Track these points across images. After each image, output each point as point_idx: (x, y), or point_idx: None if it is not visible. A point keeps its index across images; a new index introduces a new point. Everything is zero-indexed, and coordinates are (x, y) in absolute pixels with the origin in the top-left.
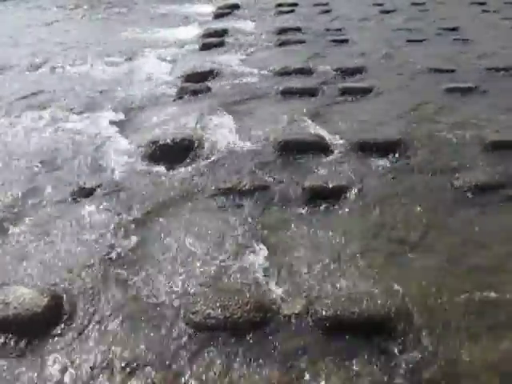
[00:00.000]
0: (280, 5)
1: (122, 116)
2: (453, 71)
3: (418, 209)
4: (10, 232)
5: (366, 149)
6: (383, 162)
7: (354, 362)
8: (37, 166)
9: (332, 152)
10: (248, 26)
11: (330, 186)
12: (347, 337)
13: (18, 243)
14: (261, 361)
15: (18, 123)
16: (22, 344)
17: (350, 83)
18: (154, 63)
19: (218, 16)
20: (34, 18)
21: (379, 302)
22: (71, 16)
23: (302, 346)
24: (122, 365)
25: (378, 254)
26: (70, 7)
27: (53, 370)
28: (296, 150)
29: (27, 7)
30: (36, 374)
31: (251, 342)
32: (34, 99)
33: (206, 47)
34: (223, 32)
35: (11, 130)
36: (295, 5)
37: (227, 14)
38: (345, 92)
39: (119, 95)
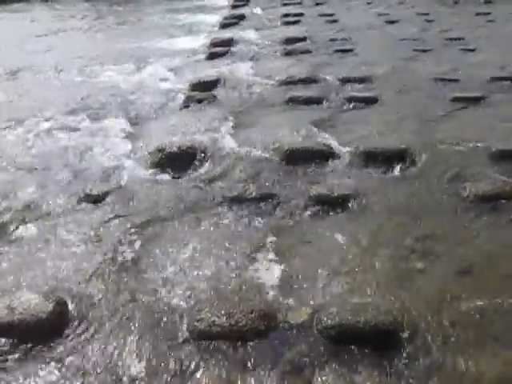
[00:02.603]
0: (286, 15)
1: (128, 124)
2: (458, 81)
3: (425, 218)
4: (15, 237)
5: (372, 158)
6: (389, 171)
7: (359, 372)
8: (43, 172)
9: (338, 161)
10: (254, 35)
11: (336, 194)
12: (352, 346)
13: (23, 249)
14: (265, 370)
15: (26, 129)
16: (27, 349)
17: (356, 92)
18: (161, 72)
19: (225, 26)
20: (41, 28)
21: (385, 311)
22: (79, 26)
23: (307, 355)
24: (126, 373)
25: (384, 262)
26: (78, 17)
27: (56, 376)
28: (302, 158)
29: (31, 18)
30: (39, 381)
31: (256, 350)
32: (41, 106)
33: (212, 56)
34: (229, 42)
35: (19, 136)
36: (301, 15)
37: (234, 24)
38: (351, 101)
39: (126, 103)
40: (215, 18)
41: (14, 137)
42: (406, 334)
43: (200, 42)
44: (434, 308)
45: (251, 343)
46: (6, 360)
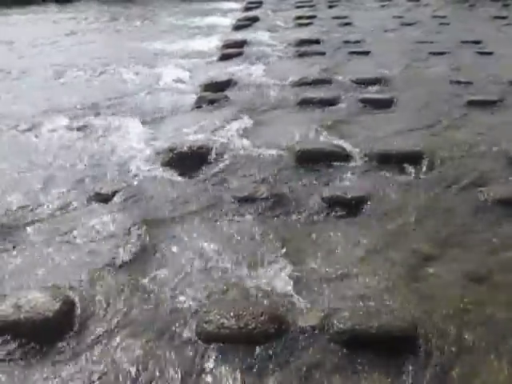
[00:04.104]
0: (299, 17)
1: (140, 123)
2: (475, 84)
3: (440, 222)
4: (24, 236)
5: (386, 160)
6: (404, 174)
7: (371, 378)
8: (54, 172)
9: (351, 162)
10: (267, 37)
11: (350, 196)
12: (364, 352)
13: (32, 247)
14: (274, 374)
15: (40, 129)
16: (33, 348)
17: (370, 94)
18: (174, 73)
19: (238, 28)
20: (55, 30)
21: (399, 316)
22: (93, 28)
23: (318, 359)
24: (132, 374)
25: (397, 266)
26: (92, 19)
27: (62, 376)
28: (315, 159)
29: (49, 19)
30: (45, 379)
31: (265, 353)
32: (55, 106)
33: (225, 58)
34: (242, 43)
35: (34, 135)
36: (314, 17)
37: (247, 26)
38: (364, 103)
39: (139, 104)
40: (228, 21)
41: (27, 136)
42: (419, 340)
43: (213, 43)
44: (449, 314)
45: (260, 346)
46: (12, 358)
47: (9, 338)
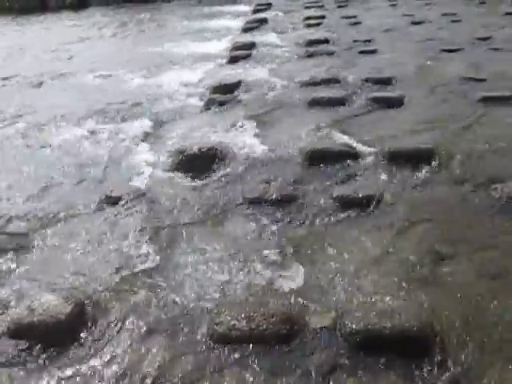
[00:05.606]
0: (308, 18)
1: (150, 126)
2: (488, 80)
3: (453, 220)
4: (36, 239)
5: (397, 158)
6: (415, 172)
7: (386, 380)
8: (64, 175)
9: (362, 161)
10: (276, 38)
11: (360, 195)
12: (378, 353)
13: (43, 250)
14: (286, 376)
15: (48, 133)
16: (46, 351)
17: (380, 93)
18: (183, 76)
19: (247, 30)
20: (66, 36)
21: (413, 316)
22: (102, 33)
23: (331, 361)
24: (144, 377)
25: (410, 266)
26: (101, 25)
27: (75, 378)
28: (325, 159)
29: (58, 25)
30: (57, 382)
31: (277, 355)
32: (66, 110)
33: (234, 60)
34: (251, 45)
35: (42, 140)
36: (323, 17)
37: (256, 28)
38: (375, 102)
39: (148, 106)
40: (237, 23)
41: (36, 140)
42: (434, 341)
43: (222, 46)
44: (464, 314)
45: (272, 348)
46: (26, 361)
47: (23, 340)
